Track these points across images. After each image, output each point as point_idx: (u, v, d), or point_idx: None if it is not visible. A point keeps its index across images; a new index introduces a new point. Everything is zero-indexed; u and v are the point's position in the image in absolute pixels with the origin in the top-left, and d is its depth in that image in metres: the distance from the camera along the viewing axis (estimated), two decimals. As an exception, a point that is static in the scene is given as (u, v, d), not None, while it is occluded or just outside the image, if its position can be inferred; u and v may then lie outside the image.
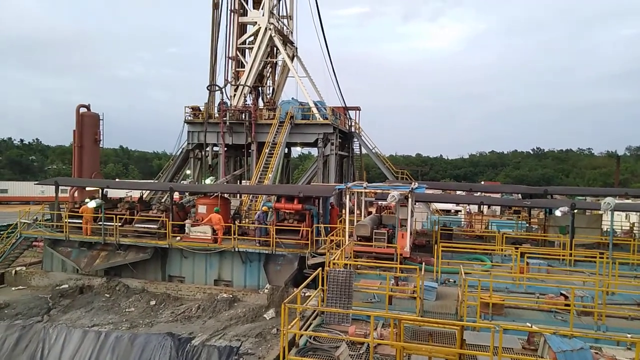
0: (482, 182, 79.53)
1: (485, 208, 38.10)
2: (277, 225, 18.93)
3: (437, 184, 51.97)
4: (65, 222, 20.96)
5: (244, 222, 21.98)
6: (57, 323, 16.86)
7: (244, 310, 17.48)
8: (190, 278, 20.06)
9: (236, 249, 18.94)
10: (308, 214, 19.21)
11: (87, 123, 30.59)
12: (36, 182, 32.44)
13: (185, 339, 15.39)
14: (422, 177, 76.00)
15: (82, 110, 30.77)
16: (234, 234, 18.83)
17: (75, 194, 28.56)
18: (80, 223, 21.05)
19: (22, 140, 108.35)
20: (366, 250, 15.63)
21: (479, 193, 31.80)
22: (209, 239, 19.50)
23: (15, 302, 18.56)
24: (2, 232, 26.48)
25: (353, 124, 35.92)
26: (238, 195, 25.50)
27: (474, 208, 39.69)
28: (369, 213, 21.98)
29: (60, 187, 23.46)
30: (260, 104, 33.60)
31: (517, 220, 30.02)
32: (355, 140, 35.82)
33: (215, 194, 20.98)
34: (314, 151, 37.38)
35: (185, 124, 31.60)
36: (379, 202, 24.04)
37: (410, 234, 15.93)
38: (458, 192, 42.49)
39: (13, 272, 21.57)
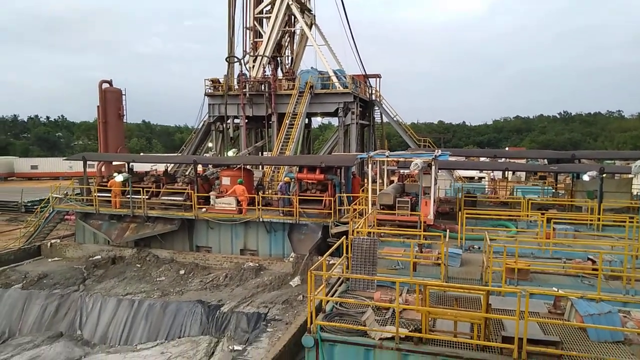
0: (507, 148, 77.94)
1: (509, 174, 37.52)
2: (300, 196, 19.09)
3: (460, 150, 51.24)
4: (95, 196, 21.59)
5: (267, 193, 22.23)
6: (92, 292, 17.63)
7: (270, 278, 17.91)
8: (217, 248, 20.56)
9: (261, 219, 19.26)
10: (330, 183, 19.28)
11: (110, 98, 31.03)
12: (65, 158, 33.31)
13: (215, 306, 15.92)
14: (444, 144, 74.94)
15: (105, 85, 31.17)
16: (258, 205, 19.10)
17: (103, 169, 29.30)
18: (109, 197, 21.63)
19: (48, 118, 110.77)
20: (389, 219, 15.67)
21: (503, 159, 31.26)
22: (234, 210, 19.84)
23: (53, 273, 19.41)
24: (36, 207, 27.55)
25: (373, 92, 35.38)
26: (260, 166, 25.74)
27: (498, 174, 39.16)
28: (391, 182, 21.92)
29: (87, 162, 24.04)
30: (280, 74, 33.33)
31: (542, 186, 29.51)
32: (376, 108, 35.36)
33: (238, 166, 21.20)
34: (335, 121, 37.15)
35: (206, 96, 31.68)
36: (401, 171, 23.92)
37: (434, 201, 15.87)
38: (482, 159, 41.89)
39: (48, 244, 22.49)
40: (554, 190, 25.11)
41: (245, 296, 16.59)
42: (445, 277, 10.67)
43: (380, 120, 36.63)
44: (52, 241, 22.86)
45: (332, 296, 9.87)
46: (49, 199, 23.22)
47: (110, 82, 31.57)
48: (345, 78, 30.88)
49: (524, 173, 45.23)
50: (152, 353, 14.77)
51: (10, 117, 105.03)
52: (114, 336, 16.13)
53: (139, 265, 19.97)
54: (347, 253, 10.99)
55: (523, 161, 34.73)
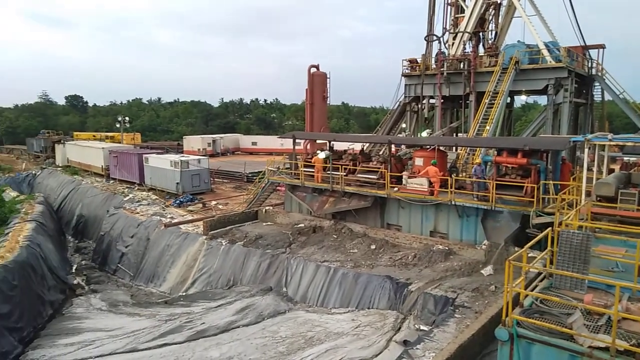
0: None
1: None
2: (497, 180, 17.89)
3: None
4: (301, 170, 24.12)
5: (460, 175, 21.47)
6: (296, 255, 19.92)
7: (460, 263, 17.43)
8: (407, 227, 20.87)
9: (453, 203, 18.76)
10: (534, 169, 17.52)
11: (317, 82, 33.86)
12: (278, 136, 37.93)
13: (403, 284, 16.30)
14: (691, 127, 60.27)
15: (313, 70, 34.10)
16: (451, 187, 18.62)
17: (308, 146, 32.42)
18: (313, 172, 23.88)
19: (265, 100, 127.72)
20: (608, 213, 13.50)
21: None
22: (426, 191, 19.76)
23: (266, 235, 22.57)
24: (255, 178, 32.28)
25: (594, 65, 30.45)
26: (454, 148, 24.93)
27: None
28: (611, 170, 18.79)
29: (296, 140, 26.90)
30: (481, 50, 31.33)
31: None
32: (597, 84, 30.42)
33: (432, 147, 20.93)
34: (542, 100, 33.39)
35: (403, 77, 31.89)
36: (625, 158, 20.29)
37: (673, 196, 13.04)
38: None
39: (264, 210, 26.18)
40: None
41: (433, 278, 16.53)
42: (684, 289, 8.77)
43: (601, 98, 31.43)
44: (267, 208, 26.53)
45: (531, 291, 9.11)
46: (265, 171, 26.91)
47: (317, 67, 34.39)
48: (559, 51, 27.29)
49: None
50: (344, 318, 16.03)
51: (237, 101, 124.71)
52: (312, 297, 18.02)
53: (335, 236, 21.68)
54: (551, 247, 9.96)
55: None
